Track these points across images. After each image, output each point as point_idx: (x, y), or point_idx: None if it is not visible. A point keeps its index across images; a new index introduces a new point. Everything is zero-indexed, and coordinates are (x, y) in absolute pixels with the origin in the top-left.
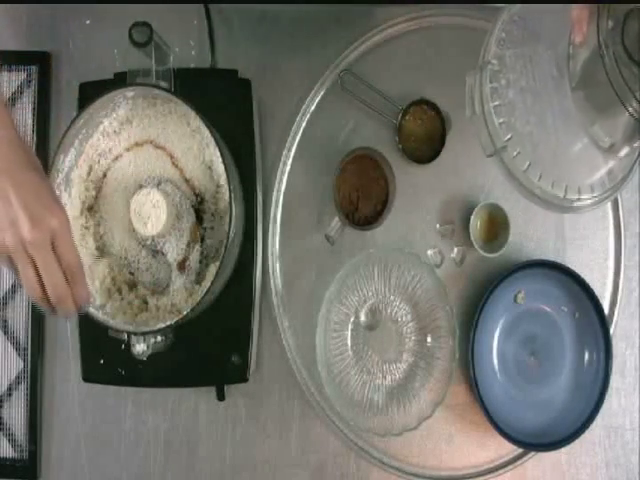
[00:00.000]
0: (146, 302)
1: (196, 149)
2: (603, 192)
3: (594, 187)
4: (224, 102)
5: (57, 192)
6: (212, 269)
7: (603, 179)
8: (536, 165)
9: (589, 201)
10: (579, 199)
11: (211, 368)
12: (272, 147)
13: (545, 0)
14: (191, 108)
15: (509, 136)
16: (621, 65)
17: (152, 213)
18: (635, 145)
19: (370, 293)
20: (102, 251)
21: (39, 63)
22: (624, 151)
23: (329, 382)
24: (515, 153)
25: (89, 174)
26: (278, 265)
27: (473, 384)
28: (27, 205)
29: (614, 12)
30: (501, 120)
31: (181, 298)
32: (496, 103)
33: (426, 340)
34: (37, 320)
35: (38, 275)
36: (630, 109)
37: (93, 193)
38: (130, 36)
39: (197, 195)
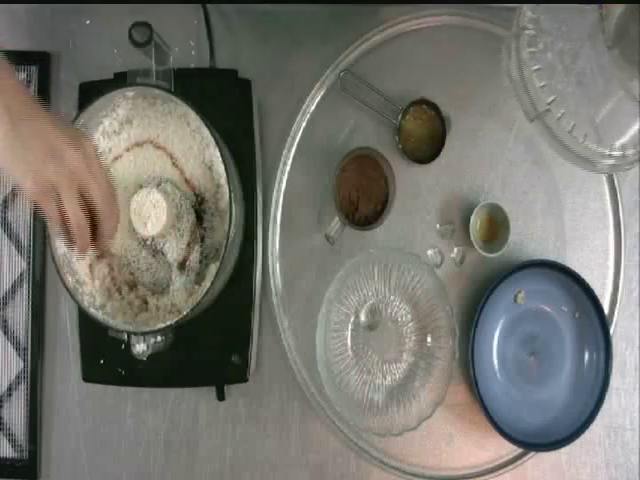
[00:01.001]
0: (146, 302)
1: (196, 149)
2: (636, 151)
3: (636, 143)
4: (224, 102)
5: None
6: (212, 269)
7: (634, 139)
8: (581, 125)
9: (635, 156)
10: (624, 155)
11: (211, 368)
12: (272, 147)
13: (555, 0)
14: (191, 108)
15: (552, 98)
16: None
17: (152, 213)
18: None
19: (370, 293)
20: (102, 251)
21: (39, 63)
22: None
23: (329, 382)
24: (559, 115)
25: None
26: (278, 265)
27: (473, 384)
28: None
29: None
30: (542, 83)
31: (181, 298)
32: (536, 67)
33: (426, 340)
34: (37, 320)
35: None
36: None
37: None
38: (130, 36)
39: (197, 195)
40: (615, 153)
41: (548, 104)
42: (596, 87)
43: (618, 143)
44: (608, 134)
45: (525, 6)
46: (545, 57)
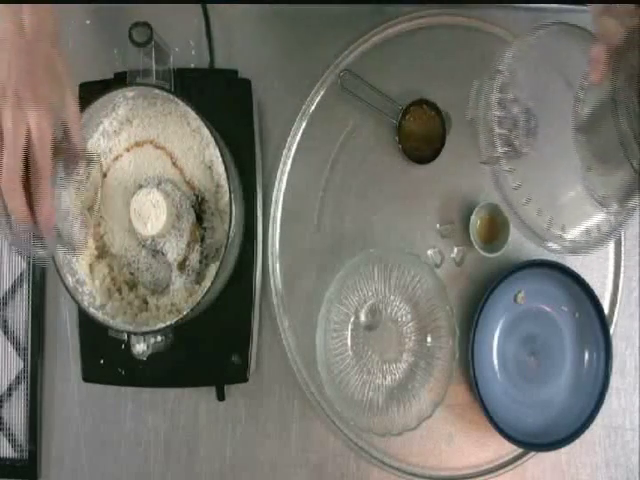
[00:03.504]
0: (146, 302)
1: (196, 149)
2: (586, 241)
3: (579, 233)
4: (224, 102)
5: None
6: (212, 269)
7: (590, 230)
8: (526, 187)
9: (568, 243)
10: (561, 237)
11: (211, 368)
12: (272, 147)
13: (552, 0)
14: (191, 108)
15: (505, 149)
16: (633, 117)
17: (152, 213)
18: (628, 205)
19: (370, 293)
20: (102, 251)
21: None
22: (613, 208)
23: (329, 382)
24: (508, 167)
25: (89, 174)
26: (278, 265)
27: (473, 384)
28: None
29: (632, 62)
30: (501, 131)
31: (181, 298)
32: (500, 114)
33: (426, 340)
34: (37, 320)
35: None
36: (634, 163)
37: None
38: (130, 36)
39: (197, 195)
40: (553, 231)
41: (501, 153)
42: (553, 162)
43: (560, 223)
44: (553, 211)
45: (510, 51)
46: (511, 108)
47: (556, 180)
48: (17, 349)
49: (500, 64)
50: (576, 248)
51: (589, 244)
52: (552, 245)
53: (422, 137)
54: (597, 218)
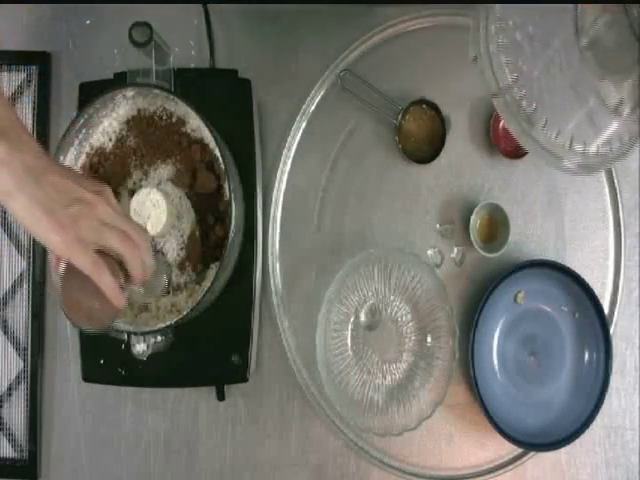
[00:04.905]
0: (146, 302)
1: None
2: (609, 151)
3: (600, 145)
4: (224, 102)
5: None
6: (212, 269)
7: (611, 140)
8: (542, 110)
9: (592, 159)
10: (584, 153)
11: (211, 368)
12: (272, 147)
13: (543, 0)
14: (191, 108)
15: (515, 76)
16: None
17: (152, 213)
18: None
19: (370, 293)
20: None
21: (39, 63)
22: (628, 114)
23: (329, 382)
24: (522, 93)
25: (89, 174)
26: (278, 265)
27: (473, 384)
28: (80, 184)
29: None
30: (507, 59)
31: (181, 298)
32: (502, 41)
33: (426, 340)
34: (37, 320)
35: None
36: None
37: None
38: (130, 36)
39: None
40: (576, 147)
41: (511, 81)
42: (564, 81)
43: (580, 140)
44: (571, 129)
45: None
46: (513, 35)
47: (567, 98)
48: (17, 349)
49: None
50: (596, 163)
51: (610, 157)
52: (568, 164)
53: (422, 137)
54: (614, 127)
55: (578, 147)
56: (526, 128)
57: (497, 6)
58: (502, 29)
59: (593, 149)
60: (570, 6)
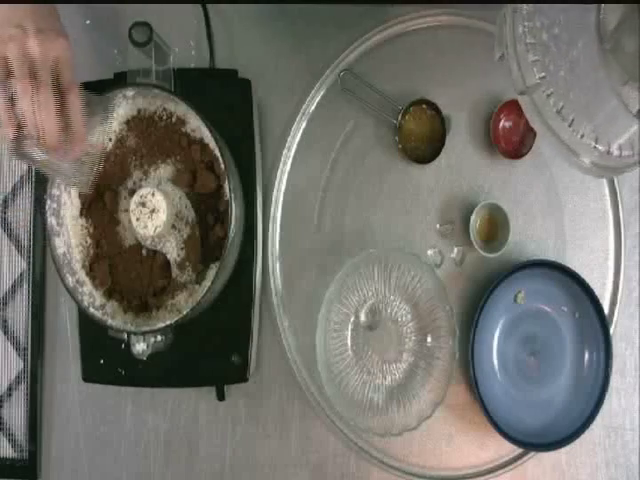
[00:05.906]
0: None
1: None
2: (632, 154)
3: (622, 146)
4: (224, 102)
5: (57, 192)
6: (212, 269)
7: (633, 142)
8: (569, 108)
9: (614, 161)
10: (609, 152)
11: (211, 368)
12: (272, 147)
13: (552, 0)
14: (191, 108)
15: (543, 74)
16: None
17: (152, 213)
18: None
19: (370, 293)
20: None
21: None
22: None
23: (329, 382)
24: (549, 92)
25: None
26: (278, 265)
27: (473, 384)
28: (37, 25)
29: None
30: (535, 58)
31: (181, 298)
32: (530, 41)
33: (426, 340)
34: (37, 320)
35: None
36: None
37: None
38: (130, 36)
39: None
40: (600, 147)
41: (538, 79)
42: (588, 81)
43: (605, 140)
44: (595, 128)
45: None
46: (540, 35)
47: (591, 98)
48: (17, 349)
49: None
50: (628, 164)
51: (630, 160)
52: (585, 161)
53: (422, 137)
54: (634, 129)
55: (602, 147)
56: (552, 125)
57: (524, 7)
58: (530, 29)
59: (616, 151)
60: (593, 8)
